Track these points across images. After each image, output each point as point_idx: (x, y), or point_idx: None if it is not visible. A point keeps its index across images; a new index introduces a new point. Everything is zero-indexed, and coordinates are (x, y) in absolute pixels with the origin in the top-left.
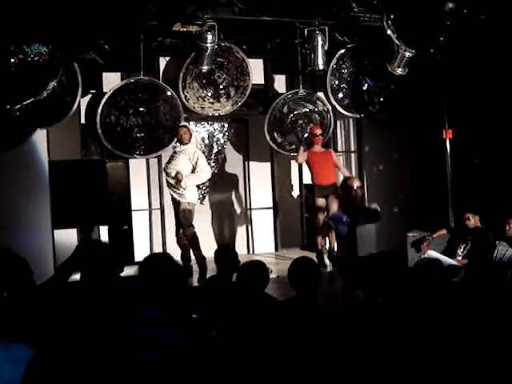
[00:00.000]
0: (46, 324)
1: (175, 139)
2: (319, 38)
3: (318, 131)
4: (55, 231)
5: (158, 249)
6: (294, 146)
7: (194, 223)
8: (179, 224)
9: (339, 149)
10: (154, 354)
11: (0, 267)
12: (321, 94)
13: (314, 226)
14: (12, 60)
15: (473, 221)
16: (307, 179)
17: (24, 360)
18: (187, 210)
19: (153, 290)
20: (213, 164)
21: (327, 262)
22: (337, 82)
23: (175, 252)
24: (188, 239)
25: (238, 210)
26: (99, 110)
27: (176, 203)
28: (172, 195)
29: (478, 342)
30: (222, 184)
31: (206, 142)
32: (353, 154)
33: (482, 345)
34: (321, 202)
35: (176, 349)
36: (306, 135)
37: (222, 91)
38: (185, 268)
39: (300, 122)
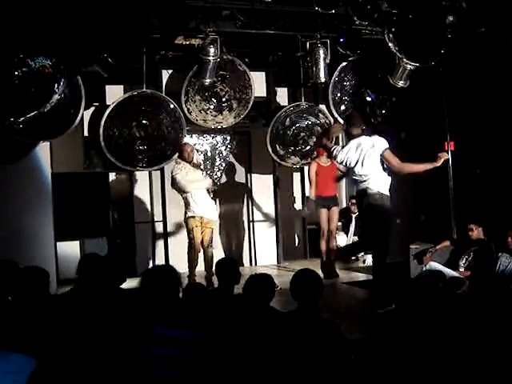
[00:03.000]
0: (48, 335)
1: (178, 156)
2: (321, 51)
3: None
4: (58, 243)
5: (160, 261)
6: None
7: (195, 235)
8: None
9: None
10: (164, 371)
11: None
12: (323, 107)
13: (319, 236)
14: (16, 73)
15: (476, 232)
16: None
17: (25, 371)
18: (213, 230)
19: (157, 303)
20: (215, 176)
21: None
22: (339, 95)
23: (177, 265)
24: (210, 259)
25: (241, 223)
26: (102, 123)
27: (199, 223)
28: (197, 214)
29: (481, 354)
30: (224, 196)
31: (209, 154)
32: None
33: (485, 357)
34: (324, 212)
35: (183, 364)
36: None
37: (225, 104)
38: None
39: (302, 134)
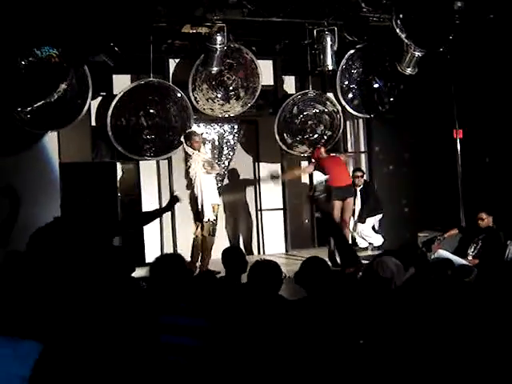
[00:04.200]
0: (55, 320)
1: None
2: (328, 39)
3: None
4: None
5: (168, 250)
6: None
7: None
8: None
9: (349, 149)
10: (173, 359)
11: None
12: (330, 95)
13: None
14: (23, 62)
15: (486, 221)
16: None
17: (32, 356)
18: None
19: (166, 292)
20: (223, 165)
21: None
22: (346, 83)
23: (185, 253)
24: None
25: (249, 211)
26: (109, 112)
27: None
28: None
29: (489, 343)
30: (232, 185)
31: (216, 143)
32: (363, 155)
33: (493, 345)
34: (338, 204)
35: (191, 353)
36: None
37: (232, 92)
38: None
39: (310, 122)
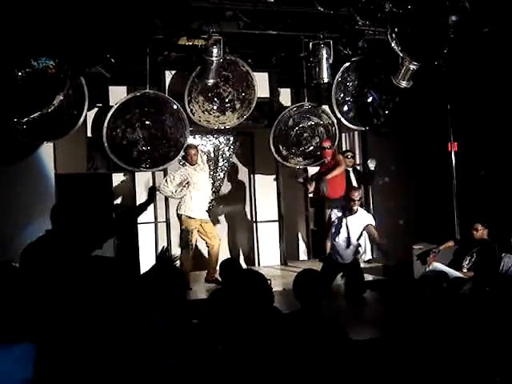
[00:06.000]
0: (49, 323)
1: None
2: (324, 52)
3: (327, 144)
4: None
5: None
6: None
7: (193, 236)
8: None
9: None
10: (159, 360)
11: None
12: (326, 107)
13: (325, 236)
14: (19, 73)
15: (480, 232)
16: None
17: (30, 357)
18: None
19: (159, 298)
20: (218, 177)
21: None
22: (342, 95)
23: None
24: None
25: (244, 223)
26: (105, 124)
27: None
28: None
29: (483, 355)
30: (227, 197)
31: (212, 155)
32: (358, 167)
33: (488, 357)
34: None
35: (181, 354)
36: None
37: (228, 104)
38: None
39: (305, 135)
